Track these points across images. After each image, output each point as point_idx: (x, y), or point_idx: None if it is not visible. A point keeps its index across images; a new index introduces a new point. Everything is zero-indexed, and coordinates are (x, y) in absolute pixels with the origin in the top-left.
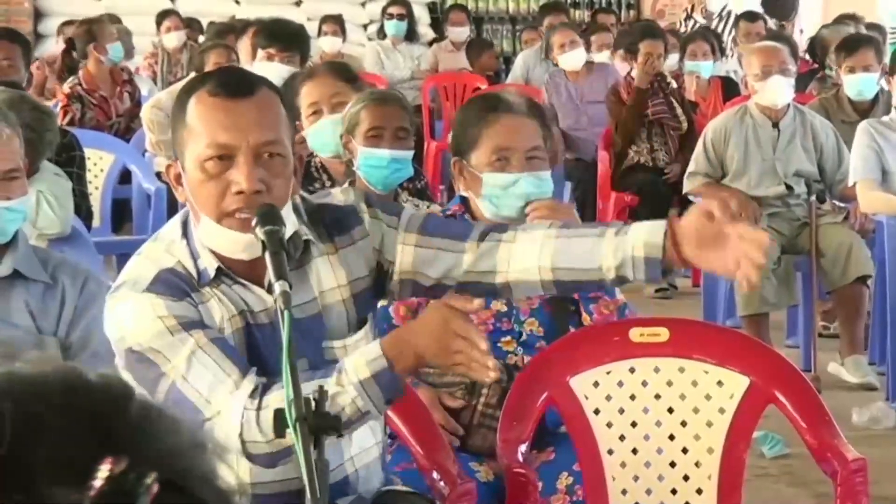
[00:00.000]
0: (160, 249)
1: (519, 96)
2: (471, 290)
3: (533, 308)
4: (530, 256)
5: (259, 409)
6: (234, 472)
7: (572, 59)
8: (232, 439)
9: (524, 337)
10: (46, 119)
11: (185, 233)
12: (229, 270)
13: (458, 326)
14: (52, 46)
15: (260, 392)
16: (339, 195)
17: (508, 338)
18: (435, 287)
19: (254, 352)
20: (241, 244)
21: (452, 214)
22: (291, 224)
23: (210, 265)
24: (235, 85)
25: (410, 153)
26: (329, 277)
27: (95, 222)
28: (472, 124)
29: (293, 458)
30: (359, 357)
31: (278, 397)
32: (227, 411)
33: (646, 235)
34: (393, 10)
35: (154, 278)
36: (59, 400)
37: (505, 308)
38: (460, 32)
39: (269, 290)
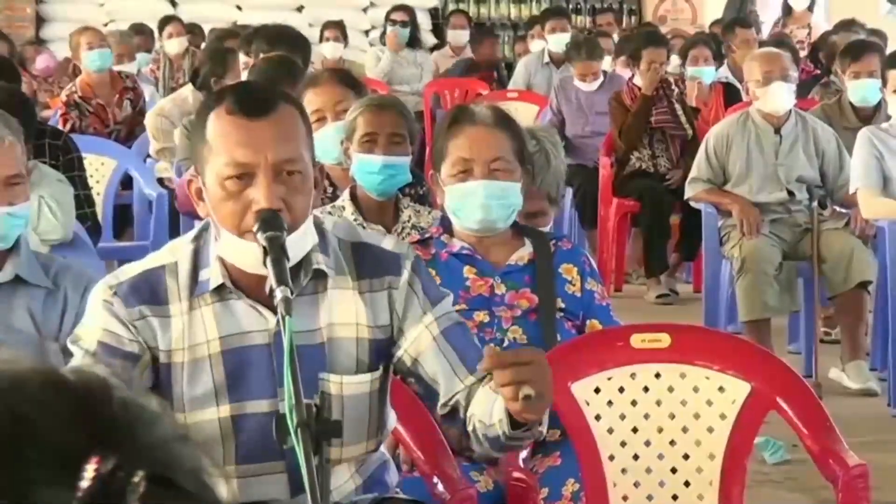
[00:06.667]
0: (166, 248)
1: (487, 108)
2: (445, 418)
3: (516, 317)
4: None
5: None
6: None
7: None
8: None
9: (506, 343)
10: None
11: (197, 237)
12: (235, 286)
13: None
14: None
15: None
16: (389, 241)
17: (492, 345)
18: (418, 382)
19: (242, 373)
20: (260, 259)
21: (430, 237)
22: (311, 241)
23: (215, 278)
24: (254, 103)
25: (406, 159)
26: (348, 311)
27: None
28: (441, 137)
29: None
30: None
31: None
32: None
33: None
34: (396, 16)
35: (131, 278)
36: (41, 399)
37: (487, 318)
38: (461, 36)
39: (274, 309)
